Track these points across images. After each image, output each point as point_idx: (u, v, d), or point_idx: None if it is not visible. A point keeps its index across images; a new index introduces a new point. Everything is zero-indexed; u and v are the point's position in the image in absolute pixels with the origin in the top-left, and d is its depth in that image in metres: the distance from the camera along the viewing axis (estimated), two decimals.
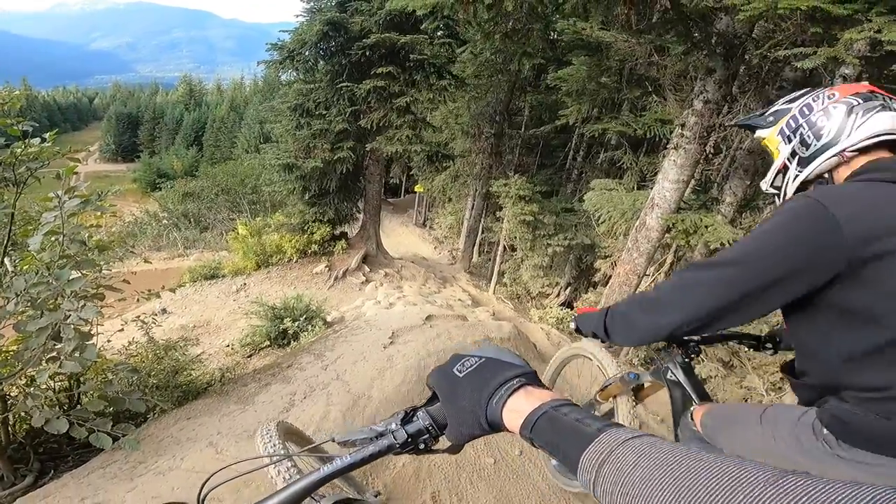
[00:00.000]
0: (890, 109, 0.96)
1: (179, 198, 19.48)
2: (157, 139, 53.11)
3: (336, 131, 8.66)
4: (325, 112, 8.70)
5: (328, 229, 9.83)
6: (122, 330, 3.48)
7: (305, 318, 5.44)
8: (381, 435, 0.60)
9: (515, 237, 10.77)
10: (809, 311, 0.92)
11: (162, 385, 3.21)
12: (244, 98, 53.34)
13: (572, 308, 10.48)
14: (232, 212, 17.91)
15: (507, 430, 0.52)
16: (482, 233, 13.99)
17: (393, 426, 0.60)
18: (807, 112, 1.05)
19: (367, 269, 10.07)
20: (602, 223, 5.24)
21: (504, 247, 11.53)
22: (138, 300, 3.38)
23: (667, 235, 4.73)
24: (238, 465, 0.73)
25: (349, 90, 8.35)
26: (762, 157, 4.74)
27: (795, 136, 1.06)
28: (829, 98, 1.02)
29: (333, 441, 0.67)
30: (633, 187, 7.51)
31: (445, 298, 9.28)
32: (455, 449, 0.60)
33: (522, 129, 13.35)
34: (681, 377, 1.46)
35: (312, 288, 8.93)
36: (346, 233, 10.75)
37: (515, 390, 0.52)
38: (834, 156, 0.99)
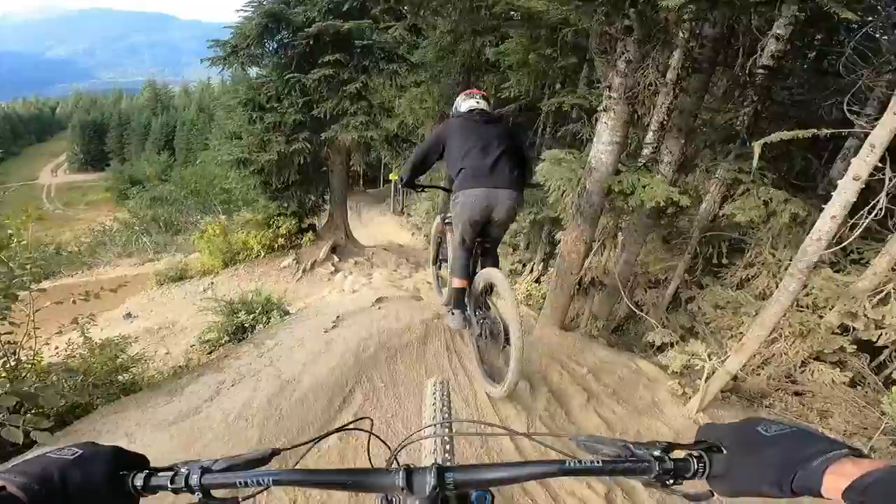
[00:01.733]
0: (472, 98, 2.92)
1: (147, 203, 19.12)
2: (126, 146, 51.75)
3: (290, 123, 8.54)
4: (276, 105, 8.57)
5: (294, 222, 9.77)
6: (60, 333, 3.46)
7: (262, 311, 5.42)
8: (633, 455, 0.59)
9: None
10: (446, 158, 2.79)
11: (99, 383, 3.23)
12: (213, 98, 52.06)
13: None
14: (204, 213, 17.62)
15: (819, 495, 0.50)
16: None
17: (656, 453, 0.58)
18: (457, 100, 3.00)
19: (336, 259, 10.05)
20: (551, 192, 5.26)
21: None
22: (74, 302, 3.35)
23: (608, 199, 4.79)
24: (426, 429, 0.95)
25: (298, 81, 8.22)
26: (694, 117, 4.82)
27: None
28: (462, 95, 2.99)
29: (570, 439, 0.66)
30: None
31: (415, 282, 9.31)
32: (701, 497, 0.58)
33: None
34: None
35: (281, 282, 8.89)
36: (315, 225, 10.68)
37: (843, 457, 0.51)
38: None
